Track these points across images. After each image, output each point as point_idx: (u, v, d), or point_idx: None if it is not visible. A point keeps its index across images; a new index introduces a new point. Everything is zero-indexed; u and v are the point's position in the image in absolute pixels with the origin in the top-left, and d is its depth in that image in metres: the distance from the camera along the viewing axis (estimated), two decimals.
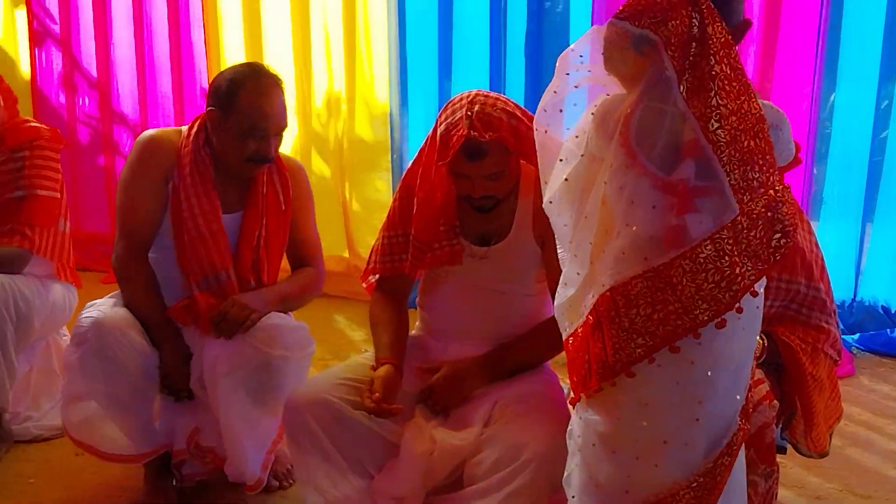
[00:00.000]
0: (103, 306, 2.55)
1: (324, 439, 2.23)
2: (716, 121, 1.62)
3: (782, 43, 3.78)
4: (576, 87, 1.84)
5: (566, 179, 1.81)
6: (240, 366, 2.45)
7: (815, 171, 3.94)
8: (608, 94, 1.77)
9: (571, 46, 1.85)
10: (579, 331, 1.79)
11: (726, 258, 1.64)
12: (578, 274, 1.78)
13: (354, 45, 4.37)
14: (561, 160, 1.83)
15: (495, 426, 2.20)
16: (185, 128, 2.65)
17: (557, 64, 1.85)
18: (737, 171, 1.64)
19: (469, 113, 2.16)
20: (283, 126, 2.59)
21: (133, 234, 2.60)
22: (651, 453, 1.74)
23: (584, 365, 1.77)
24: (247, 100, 2.50)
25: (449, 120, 2.20)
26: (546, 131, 1.88)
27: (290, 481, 2.71)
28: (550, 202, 1.84)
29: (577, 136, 1.81)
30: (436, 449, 2.20)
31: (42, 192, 2.90)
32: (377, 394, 2.17)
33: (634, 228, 1.68)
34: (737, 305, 1.65)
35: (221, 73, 2.63)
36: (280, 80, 2.59)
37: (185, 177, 2.55)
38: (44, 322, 2.94)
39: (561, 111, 1.86)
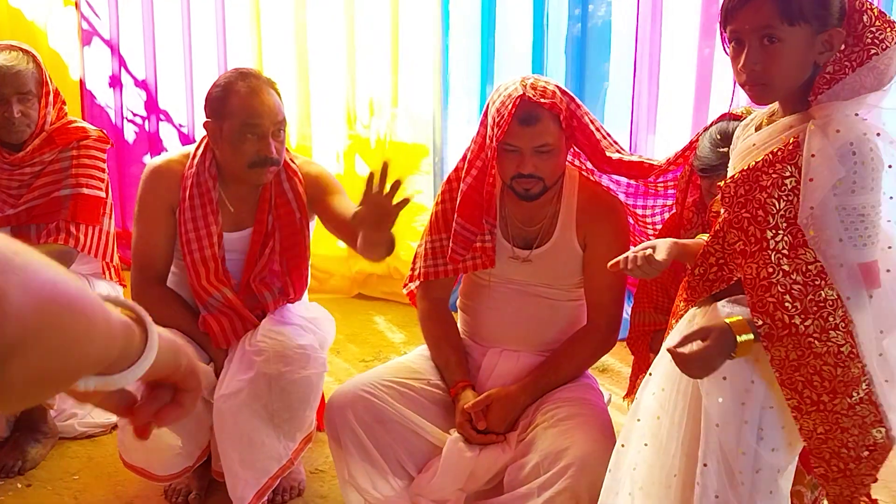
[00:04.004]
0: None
1: (364, 439, 2.23)
2: None
3: None
4: None
5: None
6: (241, 388, 2.40)
7: None
8: None
9: None
10: None
11: None
12: None
13: (397, 48, 4.38)
14: None
15: (536, 430, 2.19)
16: (193, 147, 2.64)
17: None
18: None
19: (524, 83, 2.21)
20: (280, 122, 2.49)
21: (145, 266, 2.62)
22: None
23: None
24: (237, 101, 2.46)
25: (502, 96, 2.22)
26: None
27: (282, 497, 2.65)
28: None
29: None
30: (478, 453, 2.20)
31: (87, 190, 2.92)
32: (481, 421, 2.23)
33: None
34: None
35: (213, 83, 2.56)
36: (272, 82, 2.54)
37: (184, 201, 2.56)
38: None
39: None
